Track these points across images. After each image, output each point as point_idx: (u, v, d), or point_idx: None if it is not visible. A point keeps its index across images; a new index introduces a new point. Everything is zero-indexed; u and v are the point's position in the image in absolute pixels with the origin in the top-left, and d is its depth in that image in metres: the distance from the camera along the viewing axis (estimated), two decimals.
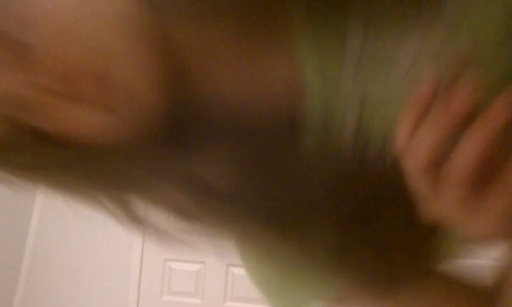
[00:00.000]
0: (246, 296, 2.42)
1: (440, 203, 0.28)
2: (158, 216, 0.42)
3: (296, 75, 0.34)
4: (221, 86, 0.35)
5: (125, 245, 2.48)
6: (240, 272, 2.43)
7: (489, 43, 0.32)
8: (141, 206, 0.41)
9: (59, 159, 0.35)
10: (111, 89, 0.30)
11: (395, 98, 0.33)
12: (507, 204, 0.26)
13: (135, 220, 0.40)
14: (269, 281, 0.47)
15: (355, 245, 0.36)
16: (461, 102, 0.25)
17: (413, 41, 0.32)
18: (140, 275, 2.46)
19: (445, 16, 0.31)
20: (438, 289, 0.41)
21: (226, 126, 0.35)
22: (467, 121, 0.25)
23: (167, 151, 0.35)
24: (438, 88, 0.26)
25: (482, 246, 0.37)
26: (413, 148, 0.27)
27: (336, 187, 0.35)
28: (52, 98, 0.29)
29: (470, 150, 0.25)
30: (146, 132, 0.33)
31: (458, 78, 0.26)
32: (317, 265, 0.38)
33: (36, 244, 2.51)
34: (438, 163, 0.27)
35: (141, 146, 0.34)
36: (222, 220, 0.41)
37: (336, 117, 0.35)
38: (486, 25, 0.32)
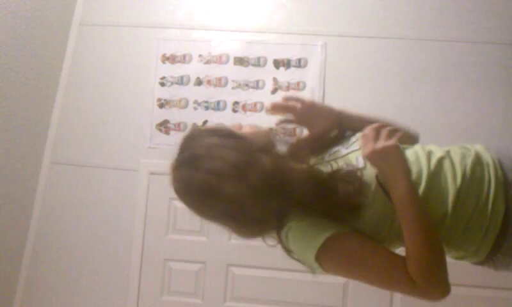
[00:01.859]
0: (246, 296, 2.42)
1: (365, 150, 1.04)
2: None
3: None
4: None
5: (125, 245, 2.48)
6: (240, 272, 2.43)
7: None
8: None
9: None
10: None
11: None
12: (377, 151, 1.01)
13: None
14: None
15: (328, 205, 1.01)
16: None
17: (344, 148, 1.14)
18: (140, 275, 2.47)
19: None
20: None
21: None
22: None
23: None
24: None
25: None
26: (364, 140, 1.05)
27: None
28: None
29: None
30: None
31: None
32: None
33: (36, 244, 2.51)
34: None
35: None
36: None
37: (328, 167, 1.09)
38: None
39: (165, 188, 2.48)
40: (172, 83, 2.57)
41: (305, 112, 1.18)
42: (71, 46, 2.66)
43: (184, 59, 2.59)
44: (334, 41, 2.51)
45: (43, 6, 2.43)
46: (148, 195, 2.50)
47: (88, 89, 2.62)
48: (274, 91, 2.50)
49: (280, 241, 1.07)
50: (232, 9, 2.62)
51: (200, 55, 2.58)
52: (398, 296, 2.32)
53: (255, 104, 2.50)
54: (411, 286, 0.92)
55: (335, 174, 1.03)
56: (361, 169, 1.04)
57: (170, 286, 2.47)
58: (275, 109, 1.19)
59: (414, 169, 1.02)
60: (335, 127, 1.19)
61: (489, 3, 2.47)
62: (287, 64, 2.52)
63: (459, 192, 1.01)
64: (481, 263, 1.08)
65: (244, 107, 2.51)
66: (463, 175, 1.02)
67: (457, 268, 2.19)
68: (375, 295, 2.34)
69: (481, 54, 2.43)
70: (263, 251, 2.44)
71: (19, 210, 2.43)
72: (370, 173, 1.03)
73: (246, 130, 1.11)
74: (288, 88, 2.49)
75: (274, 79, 2.51)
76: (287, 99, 1.19)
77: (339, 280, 2.37)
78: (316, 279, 2.38)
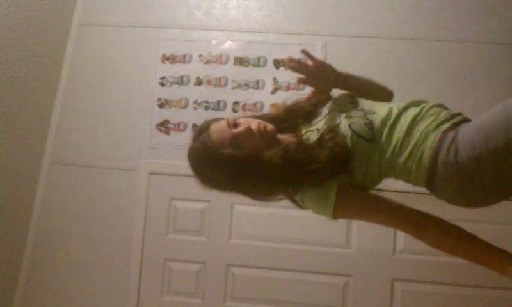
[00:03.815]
0: (246, 296, 2.42)
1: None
2: None
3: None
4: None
5: (125, 245, 2.48)
6: (240, 272, 2.43)
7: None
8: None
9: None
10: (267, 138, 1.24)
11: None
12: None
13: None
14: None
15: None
16: None
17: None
18: (140, 275, 2.47)
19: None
20: None
21: None
22: None
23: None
24: None
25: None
26: None
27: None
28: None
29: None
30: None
31: None
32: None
33: (36, 244, 2.51)
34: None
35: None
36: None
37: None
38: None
39: (165, 188, 2.50)
40: (172, 83, 2.57)
41: (316, 71, 1.36)
42: (71, 46, 2.66)
43: (184, 59, 2.59)
44: (334, 41, 2.51)
45: (43, 6, 2.43)
46: (148, 195, 2.50)
47: (88, 89, 2.62)
48: (274, 91, 2.50)
49: (295, 202, 1.27)
50: (232, 9, 2.62)
51: (200, 55, 2.58)
52: (398, 296, 2.33)
53: (255, 104, 2.50)
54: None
55: (321, 141, 1.21)
56: (337, 125, 1.22)
57: (170, 286, 2.47)
58: (291, 61, 1.36)
59: (385, 109, 1.24)
60: (333, 87, 1.41)
61: (489, 3, 2.47)
62: (286, 64, 2.51)
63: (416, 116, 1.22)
64: (426, 184, 1.17)
65: (244, 107, 2.51)
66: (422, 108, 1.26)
67: (458, 268, 2.20)
68: (375, 295, 2.34)
69: (481, 54, 2.43)
70: (263, 251, 2.44)
71: (19, 210, 2.43)
72: (344, 125, 1.21)
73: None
74: (288, 88, 2.49)
75: (274, 79, 2.51)
76: (301, 56, 1.38)
77: (339, 280, 2.37)
78: (316, 279, 2.39)
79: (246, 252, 2.43)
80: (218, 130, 1.24)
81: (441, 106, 1.27)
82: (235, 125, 1.23)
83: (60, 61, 2.63)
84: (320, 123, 1.28)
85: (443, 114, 1.21)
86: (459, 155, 1.07)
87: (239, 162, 1.19)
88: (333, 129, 1.20)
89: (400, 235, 2.34)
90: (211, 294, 2.44)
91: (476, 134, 1.06)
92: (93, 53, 2.65)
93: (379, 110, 1.24)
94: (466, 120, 1.20)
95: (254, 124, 1.23)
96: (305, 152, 1.19)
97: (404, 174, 1.18)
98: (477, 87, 2.40)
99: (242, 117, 1.30)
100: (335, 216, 1.17)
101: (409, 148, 1.15)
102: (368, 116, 1.22)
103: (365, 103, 1.29)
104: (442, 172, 1.10)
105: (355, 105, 1.28)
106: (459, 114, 1.23)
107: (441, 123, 1.17)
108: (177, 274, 2.48)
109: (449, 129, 1.14)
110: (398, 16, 2.51)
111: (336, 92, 1.43)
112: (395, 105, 1.27)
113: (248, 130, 1.21)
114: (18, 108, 2.31)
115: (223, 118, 1.28)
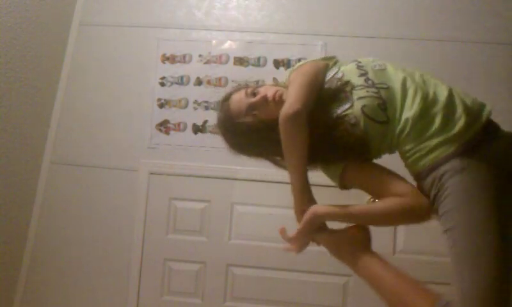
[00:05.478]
0: (246, 296, 2.42)
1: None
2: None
3: None
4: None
5: (125, 245, 2.48)
6: (240, 272, 2.43)
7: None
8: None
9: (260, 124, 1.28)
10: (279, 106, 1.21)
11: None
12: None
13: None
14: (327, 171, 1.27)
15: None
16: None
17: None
18: (140, 275, 2.47)
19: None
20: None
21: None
22: None
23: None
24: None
25: None
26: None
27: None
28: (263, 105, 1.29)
29: None
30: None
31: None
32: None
33: (36, 244, 2.51)
34: None
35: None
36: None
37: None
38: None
39: (165, 188, 2.50)
40: (172, 83, 2.57)
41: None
42: (71, 46, 2.66)
43: (184, 59, 2.59)
44: (334, 41, 2.51)
45: (43, 6, 2.43)
46: (148, 195, 2.50)
47: (88, 89, 2.62)
48: None
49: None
50: (232, 9, 2.62)
51: (200, 55, 2.58)
52: None
53: None
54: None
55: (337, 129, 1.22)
56: (350, 108, 1.20)
57: (170, 286, 2.47)
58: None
59: (397, 83, 1.22)
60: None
61: (489, 3, 2.47)
62: (287, 64, 2.52)
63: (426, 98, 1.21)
64: (414, 178, 1.17)
65: None
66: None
67: None
68: (375, 295, 2.34)
69: (481, 54, 2.43)
70: (263, 251, 2.44)
71: (19, 210, 2.43)
72: (356, 108, 1.18)
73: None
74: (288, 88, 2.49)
75: (274, 79, 2.51)
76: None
77: (339, 280, 2.37)
78: (316, 279, 2.39)
79: (246, 252, 2.43)
80: (236, 100, 1.30)
81: (458, 98, 1.19)
82: (254, 95, 1.28)
83: (60, 61, 2.63)
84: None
85: (458, 114, 1.11)
86: (441, 195, 1.08)
87: (255, 129, 1.25)
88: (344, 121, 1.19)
89: (401, 235, 2.34)
90: (211, 294, 2.44)
91: (460, 211, 1.07)
92: (93, 53, 2.65)
93: (392, 81, 1.21)
94: (484, 131, 1.11)
95: (270, 92, 1.26)
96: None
97: (403, 157, 1.18)
98: (477, 87, 2.40)
99: (263, 85, 1.34)
100: (341, 186, 1.23)
101: (412, 144, 1.13)
102: (381, 92, 1.17)
103: (375, 69, 1.24)
104: (428, 185, 1.11)
105: (365, 76, 1.22)
106: (478, 119, 1.13)
107: (451, 139, 1.08)
108: (177, 274, 2.48)
109: (455, 154, 1.07)
110: (398, 16, 2.51)
111: (343, 59, 1.38)
112: (399, 81, 1.22)
113: (264, 98, 1.25)
114: (18, 108, 2.31)
115: (244, 87, 1.35)
